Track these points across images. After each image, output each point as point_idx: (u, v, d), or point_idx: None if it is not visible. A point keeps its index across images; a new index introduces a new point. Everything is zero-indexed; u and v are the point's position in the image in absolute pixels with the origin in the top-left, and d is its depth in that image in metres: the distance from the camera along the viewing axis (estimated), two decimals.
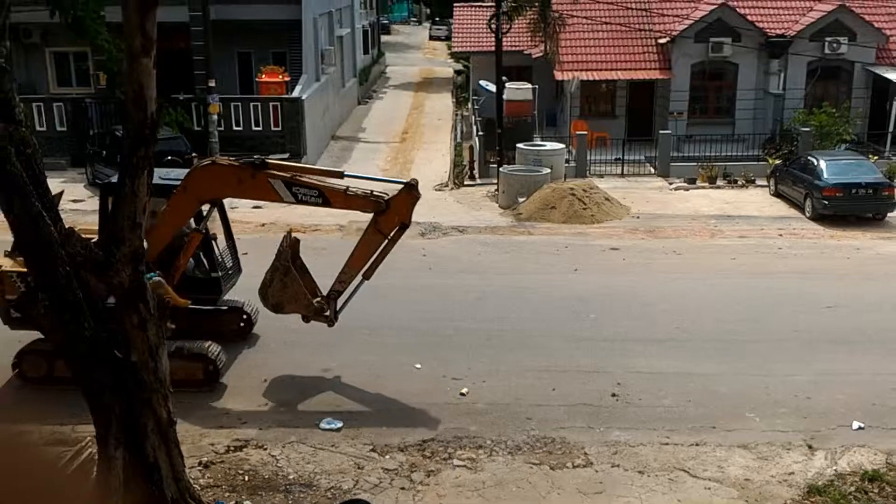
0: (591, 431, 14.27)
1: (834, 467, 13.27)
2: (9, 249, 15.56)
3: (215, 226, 16.82)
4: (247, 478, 12.90)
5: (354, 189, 15.12)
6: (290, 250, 15.66)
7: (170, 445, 11.03)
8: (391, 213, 14.96)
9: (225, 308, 17.35)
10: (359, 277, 15.52)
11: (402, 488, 12.68)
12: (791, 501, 12.46)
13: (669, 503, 12.39)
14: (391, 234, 15.15)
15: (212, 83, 29.63)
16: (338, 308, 15.80)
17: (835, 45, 34.97)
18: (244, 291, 17.18)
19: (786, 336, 17.85)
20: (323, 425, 14.36)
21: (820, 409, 14.95)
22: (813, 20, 35.24)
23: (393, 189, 15.22)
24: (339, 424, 14.37)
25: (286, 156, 31.92)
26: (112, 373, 10.46)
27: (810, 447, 13.79)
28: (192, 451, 13.22)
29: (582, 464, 13.34)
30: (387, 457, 13.51)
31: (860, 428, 14.34)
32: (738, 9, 35.40)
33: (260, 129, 32.51)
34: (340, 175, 15.52)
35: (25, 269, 14.90)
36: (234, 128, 32.14)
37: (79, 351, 10.19)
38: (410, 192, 15.08)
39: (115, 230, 9.97)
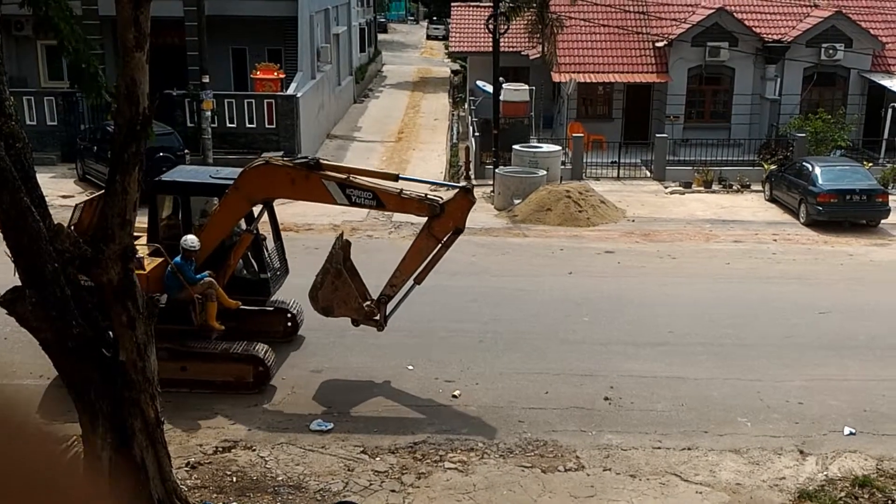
0: (584, 435, 14.20)
1: (825, 473, 13.23)
2: None
3: (263, 227, 16.64)
4: (235, 479, 12.81)
5: (408, 192, 15.02)
6: (342, 252, 15.51)
7: (157, 446, 10.93)
8: (446, 218, 14.84)
9: (271, 309, 17.15)
10: (410, 282, 15.36)
11: (393, 490, 12.61)
12: None
13: None
14: (444, 239, 15.02)
15: (206, 79, 29.52)
16: (387, 313, 15.60)
17: (831, 51, 34.95)
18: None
19: (779, 341, 17.80)
20: (314, 426, 14.26)
21: (812, 414, 14.91)
22: (810, 26, 35.23)
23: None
24: (330, 426, 14.28)
25: (280, 153, 31.85)
26: (100, 371, 10.36)
27: (802, 452, 13.75)
28: (180, 451, 13.13)
29: (574, 467, 13.27)
30: (377, 459, 13.42)
31: (851, 433, 14.31)
32: (735, 13, 35.38)
33: (254, 126, 32.38)
34: (395, 178, 15.44)
35: None
36: (228, 124, 32.00)
37: (66, 348, 10.08)
38: (466, 195, 14.98)
39: (104, 227, 9.87)
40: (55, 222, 10.04)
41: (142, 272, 14.84)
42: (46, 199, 10.85)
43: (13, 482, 1.39)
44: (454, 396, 15.44)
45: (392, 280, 15.36)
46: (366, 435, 14.09)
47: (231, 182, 15.41)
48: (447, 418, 14.70)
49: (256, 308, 16.64)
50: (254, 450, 13.58)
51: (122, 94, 9.63)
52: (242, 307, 16.00)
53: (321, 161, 15.08)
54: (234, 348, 15.38)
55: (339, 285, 15.25)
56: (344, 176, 14.89)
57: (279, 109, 32.34)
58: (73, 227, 15.66)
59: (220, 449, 13.58)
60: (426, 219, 15.06)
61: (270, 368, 15.49)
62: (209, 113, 29.67)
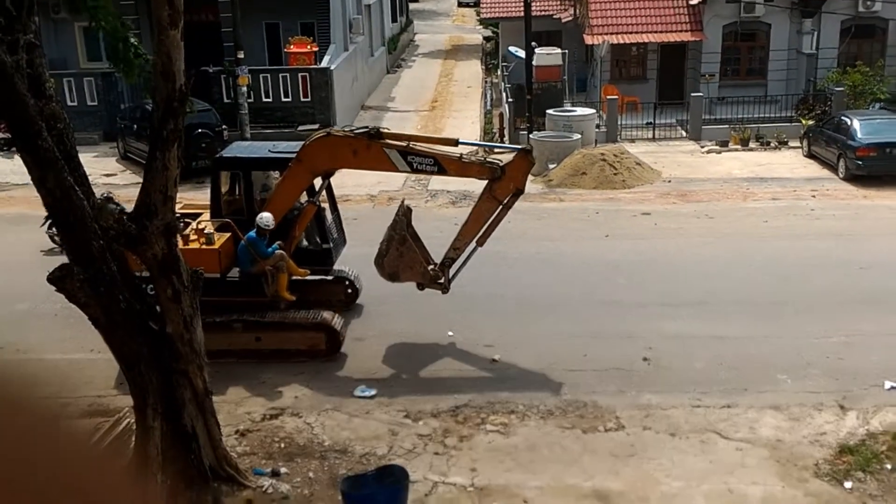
0: (623, 395, 14.34)
1: (866, 427, 13.27)
2: None
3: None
4: (282, 445, 13.09)
5: (469, 156, 15.23)
6: (405, 219, 15.77)
7: (206, 415, 11.23)
8: (506, 180, 15.01)
9: (330, 278, 17.44)
10: (472, 244, 15.61)
11: (436, 453, 12.83)
12: (822, 461, 12.48)
13: (701, 464, 12.46)
14: (505, 201, 15.21)
15: (240, 55, 29.70)
16: (451, 276, 15.88)
17: (869, 2, 34.46)
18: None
19: (818, 298, 17.79)
20: (357, 393, 14.52)
21: (852, 369, 14.93)
22: None
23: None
24: (373, 392, 14.52)
25: (316, 126, 32.05)
26: (148, 344, 10.64)
27: (842, 407, 13.80)
28: (229, 420, 13.42)
29: (614, 427, 13.42)
30: (420, 423, 13.65)
31: (893, 388, 14.32)
32: None
33: (289, 99, 32.58)
34: (455, 142, 15.65)
35: None
36: (264, 99, 32.23)
37: (114, 323, 10.36)
38: (526, 157, 15.17)
39: (146, 203, 10.11)
40: (99, 198, 10.29)
41: (213, 248, 15.17)
42: (90, 177, 11.12)
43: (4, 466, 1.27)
44: (494, 360, 15.62)
45: (455, 243, 15.61)
46: (408, 399, 14.33)
47: (291, 155, 15.65)
48: (488, 382, 14.91)
49: (317, 277, 16.87)
50: (300, 416, 13.86)
51: (158, 72, 9.84)
52: (302, 277, 16.30)
53: (381, 130, 15.27)
54: (305, 317, 15.71)
55: (404, 251, 15.53)
56: (405, 143, 15.11)
57: (313, 82, 32.50)
58: None
59: (268, 416, 13.87)
60: (486, 182, 15.25)
61: (342, 335, 15.81)
62: (245, 88, 29.88)
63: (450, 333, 16.60)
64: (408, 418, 13.79)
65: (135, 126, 28.69)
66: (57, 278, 10.03)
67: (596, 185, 26.09)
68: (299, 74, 32.63)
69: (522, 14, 32.03)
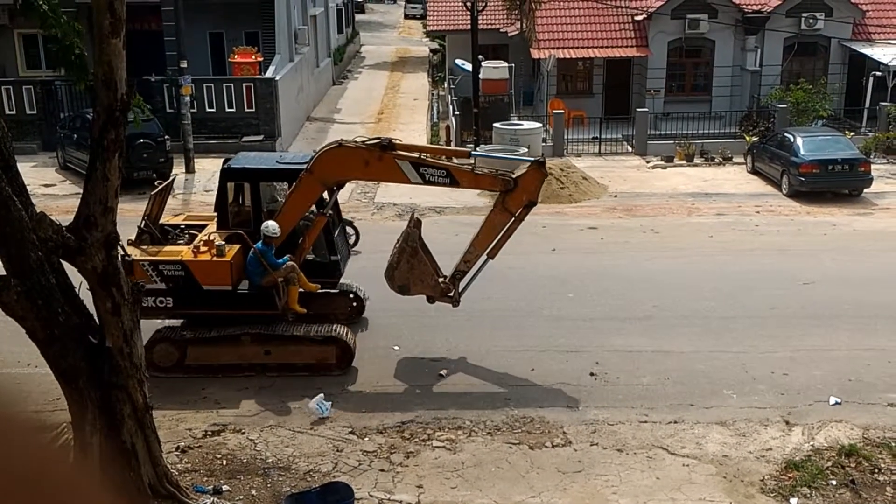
0: (570, 410, 14.28)
1: (811, 443, 13.34)
2: (132, 238, 15.50)
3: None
4: (224, 462, 12.84)
5: (481, 168, 15.08)
6: (416, 231, 15.57)
7: (146, 431, 10.96)
8: (519, 192, 14.91)
9: (335, 291, 17.14)
10: (483, 257, 15.46)
11: (382, 470, 12.66)
12: (769, 477, 12.51)
13: (648, 480, 12.43)
14: (518, 213, 15.06)
15: (184, 64, 29.30)
16: (461, 289, 15.70)
17: (811, 20, 34.99)
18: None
19: (763, 313, 17.90)
20: (312, 405, 14.17)
21: (797, 385, 15.01)
22: None
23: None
24: (329, 405, 14.23)
25: (261, 137, 31.75)
26: (87, 359, 10.36)
27: (787, 423, 13.86)
28: (169, 436, 13.14)
29: (561, 443, 13.35)
30: (366, 439, 13.47)
31: (837, 403, 14.41)
32: None
33: (233, 110, 32.24)
34: (468, 154, 15.52)
35: (156, 258, 14.97)
36: (208, 109, 31.86)
37: (52, 336, 10.07)
38: (539, 169, 15.06)
39: (86, 214, 9.85)
40: (38, 211, 10.01)
41: (225, 259, 14.87)
42: (28, 188, 10.82)
43: (3, 476, 1.40)
44: (441, 375, 15.49)
45: (466, 256, 15.50)
46: (354, 415, 14.14)
47: (299, 166, 15.49)
48: (434, 397, 14.77)
49: (321, 290, 16.58)
50: (243, 433, 13.61)
51: (99, 81, 9.60)
52: (305, 290, 16.07)
53: (394, 141, 15.12)
54: (315, 331, 15.48)
55: (414, 264, 15.39)
56: (417, 155, 14.98)
57: (258, 93, 32.20)
58: (146, 217, 15.76)
59: (210, 432, 13.61)
60: (498, 193, 15.15)
61: (353, 349, 15.58)
62: (188, 98, 29.46)
63: (396, 347, 16.45)
64: (353, 434, 13.60)
65: (75, 135, 28.19)
66: None
67: (542, 199, 25.97)
68: (244, 85, 32.32)
69: (469, 27, 32.03)
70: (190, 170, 29.01)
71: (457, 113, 34.24)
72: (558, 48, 35.90)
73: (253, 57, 33.45)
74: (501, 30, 39.90)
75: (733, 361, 15.85)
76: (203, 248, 15.26)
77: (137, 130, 25.61)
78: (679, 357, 16.04)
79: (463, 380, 15.34)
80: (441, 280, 15.58)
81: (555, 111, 32.84)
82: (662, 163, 31.01)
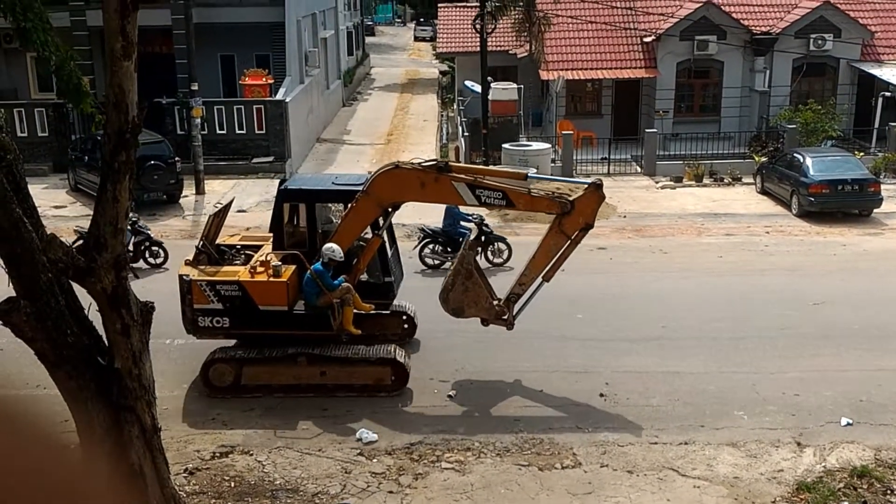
0: (580, 432, 14.23)
1: (823, 464, 13.26)
2: (189, 258, 15.56)
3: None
4: (233, 484, 12.82)
5: (538, 190, 15.08)
6: (472, 253, 15.56)
7: (154, 452, 10.93)
8: (576, 214, 14.90)
9: (387, 312, 17.09)
10: (539, 280, 15.43)
11: (391, 492, 12.62)
12: (780, 499, 12.44)
13: (658, 502, 12.36)
14: (574, 235, 15.05)
15: (195, 86, 29.45)
16: (515, 312, 15.65)
17: (820, 41, 35.01)
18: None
19: (773, 333, 17.83)
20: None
21: (808, 406, 14.94)
22: (798, 17, 35.28)
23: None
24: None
25: (271, 158, 31.84)
26: (95, 380, 10.36)
27: (799, 444, 13.78)
28: (178, 457, 13.13)
29: (571, 464, 13.29)
30: (374, 460, 13.44)
31: (849, 424, 14.34)
32: (723, 6, 35.44)
33: (244, 132, 32.36)
34: (524, 176, 15.51)
35: (214, 278, 14.96)
36: (218, 131, 31.98)
37: (61, 358, 10.08)
38: (596, 191, 15.04)
39: (96, 236, 9.87)
40: (48, 232, 10.04)
41: (281, 280, 14.89)
42: (39, 209, 10.86)
43: (38, 494, 1.47)
44: (450, 397, 15.46)
45: (521, 279, 15.46)
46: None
47: (355, 188, 15.54)
48: (443, 418, 14.73)
49: (374, 311, 16.50)
50: (251, 454, 13.59)
51: (110, 103, 9.63)
52: (359, 311, 16.08)
53: (450, 163, 15.13)
54: (371, 352, 15.51)
55: (469, 286, 15.33)
56: (473, 177, 14.99)
57: (268, 115, 32.32)
58: (204, 238, 15.83)
59: (218, 454, 13.59)
60: (555, 216, 15.14)
61: (408, 371, 15.55)
62: (199, 120, 29.59)
63: None
64: (361, 456, 13.57)
65: (86, 157, 28.30)
66: (3, 312, 9.74)
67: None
68: (254, 106, 32.45)
69: (478, 49, 32.15)
70: (200, 191, 29.09)
71: (466, 134, 34.30)
72: (567, 69, 35.96)
73: (263, 79, 33.60)
74: (510, 51, 39.99)
75: (744, 382, 15.79)
76: (260, 269, 15.31)
77: (149, 152, 25.77)
78: (689, 378, 15.99)
79: (471, 401, 15.30)
80: (496, 303, 15.53)
81: (564, 132, 32.87)
82: (671, 183, 30.98)
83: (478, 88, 34.14)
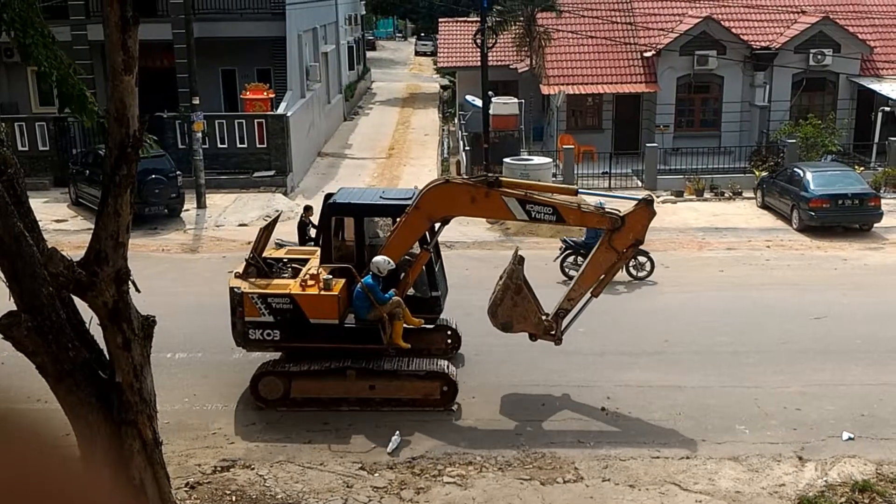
0: (582, 446, 14.21)
1: (824, 478, 13.23)
2: (238, 271, 15.56)
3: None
4: (234, 498, 12.79)
5: (588, 206, 15.11)
6: (521, 268, 15.55)
7: (156, 467, 10.91)
8: (626, 230, 14.92)
9: (431, 326, 17.06)
10: (587, 295, 15.43)
11: None
12: None
13: None
14: (624, 251, 15.06)
15: (196, 101, 29.51)
16: (563, 327, 15.64)
17: (819, 56, 35.10)
18: None
19: (774, 348, 17.82)
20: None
21: (810, 420, 14.92)
22: (797, 32, 35.39)
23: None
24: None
25: (272, 173, 31.86)
26: (96, 394, 10.35)
27: (801, 459, 13.76)
28: (179, 471, 13.10)
29: (572, 479, 13.26)
30: (376, 475, 13.41)
31: (850, 438, 14.31)
32: (722, 22, 35.53)
33: (245, 146, 32.37)
34: (574, 192, 15.53)
35: (266, 291, 14.97)
36: (219, 145, 32.00)
37: (62, 372, 10.07)
38: (647, 207, 15.06)
39: (97, 250, 9.87)
40: (49, 246, 10.04)
41: (333, 293, 14.87)
42: (40, 223, 10.87)
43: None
44: (452, 410, 15.43)
45: (570, 294, 15.48)
46: (364, 451, 14.08)
47: (403, 202, 15.60)
48: (445, 433, 14.71)
49: (416, 326, 16.44)
50: (252, 468, 13.56)
51: (111, 118, 9.65)
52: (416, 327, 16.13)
53: (500, 178, 15.16)
54: (420, 366, 15.51)
55: (518, 301, 15.33)
56: (523, 192, 15.01)
57: (269, 129, 32.34)
58: (254, 251, 15.83)
59: (219, 468, 13.56)
60: (605, 231, 15.16)
61: (457, 385, 15.52)
62: (200, 134, 29.61)
63: None
64: (363, 470, 13.55)
65: (87, 171, 28.35)
66: (4, 326, 9.73)
67: (553, 233, 26.05)
68: (255, 121, 32.47)
69: (479, 63, 32.19)
70: (201, 205, 29.11)
71: (467, 148, 34.36)
72: (568, 84, 36.04)
73: (265, 93, 33.64)
74: (511, 66, 40.09)
75: (745, 396, 15.77)
76: (310, 282, 15.29)
77: (150, 166, 25.79)
78: (691, 392, 15.97)
79: (473, 415, 15.28)
80: (544, 318, 15.51)
81: (565, 146, 32.93)
82: (672, 198, 31.01)
83: (479, 103, 34.19)
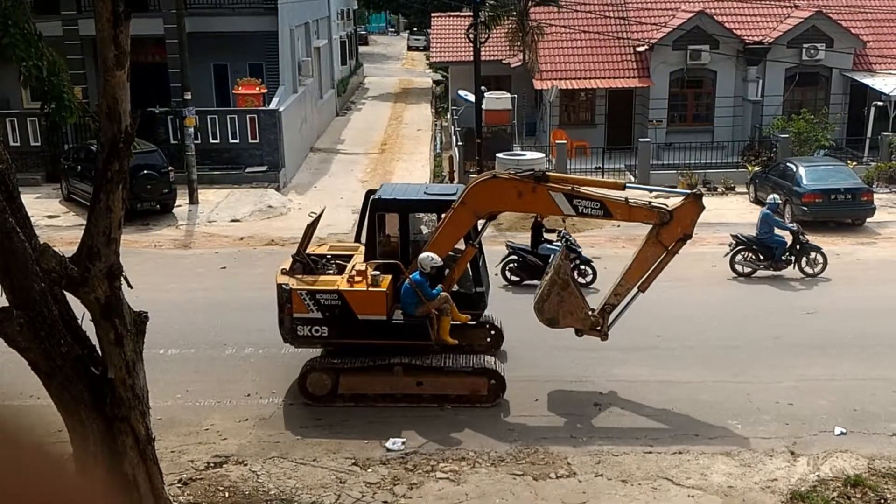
0: (574, 441, 14.22)
1: (816, 473, 13.26)
2: (286, 267, 15.48)
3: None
4: (227, 494, 12.78)
5: (635, 200, 15.05)
6: (568, 263, 15.51)
7: (148, 463, 10.90)
8: (674, 225, 14.91)
9: (473, 323, 16.94)
10: (634, 290, 15.38)
11: (385, 502, 12.60)
12: None
13: None
14: (671, 246, 14.97)
15: (188, 96, 29.44)
16: (609, 322, 15.59)
17: (812, 51, 35.14)
18: None
19: (767, 343, 17.85)
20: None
21: (802, 415, 14.95)
22: (790, 27, 35.41)
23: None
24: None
25: (264, 168, 31.81)
26: (89, 390, 10.33)
27: (793, 453, 13.78)
28: (172, 467, 13.08)
29: (565, 474, 13.28)
30: (369, 470, 13.41)
31: (842, 433, 14.35)
32: (715, 16, 35.54)
33: (237, 141, 32.30)
34: (622, 186, 15.51)
35: (314, 287, 14.97)
36: (211, 141, 31.92)
37: (55, 368, 10.05)
38: (696, 202, 15.01)
39: (90, 245, 9.85)
40: (41, 242, 10.01)
41: (381, 289, 14.80)
42: (32, 219, 10.84)
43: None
44: (444, 407, 15.43)
45: (616, 289, 15.44)
46: (357, 446, 14.08)
47: (449, 198, 15.56)
48: (438, 428, 14.70)
49: (459, 322, 16.32)
50: (245, 464, 13.56)
51: (103, 113, 9.62)
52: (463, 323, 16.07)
53: (547, 173, 15.09)
54: (468, 362, 15.41)
55: (565, 296, 15.25)
56: (570, 187, 14.96)
57: (262, 124, 32.27)
58: (301, 248, 15.74)
59: (212, 464, 13.55)
60: (652, 226, 15.13)
61: (505, 380, 15.44)
62: (192, 129, 29.54)
63: None
64: (356, 466, 13.54)
65: (78, 167, 28.29)
66: None
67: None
68: (247, 116, 32.39)
69: (472, 58, 32.18)
70: (193, 201, 29.05)
71: (460, 143, 34.32)
72: (561, 79, 36.03)
73: (257, 88, 33.57)
74: (504, 61, 40.08)
75: (738, 391, 15.80)
76: (357, 278, 15.20)
77: (142, 162, 25.75)
78: (683, 387, 15.99)
79: (467, 410, 15.27)
80: (591, 313, 15.47)
81: (557, 141, 32.91)
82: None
83: (471, 98, 34.16)
